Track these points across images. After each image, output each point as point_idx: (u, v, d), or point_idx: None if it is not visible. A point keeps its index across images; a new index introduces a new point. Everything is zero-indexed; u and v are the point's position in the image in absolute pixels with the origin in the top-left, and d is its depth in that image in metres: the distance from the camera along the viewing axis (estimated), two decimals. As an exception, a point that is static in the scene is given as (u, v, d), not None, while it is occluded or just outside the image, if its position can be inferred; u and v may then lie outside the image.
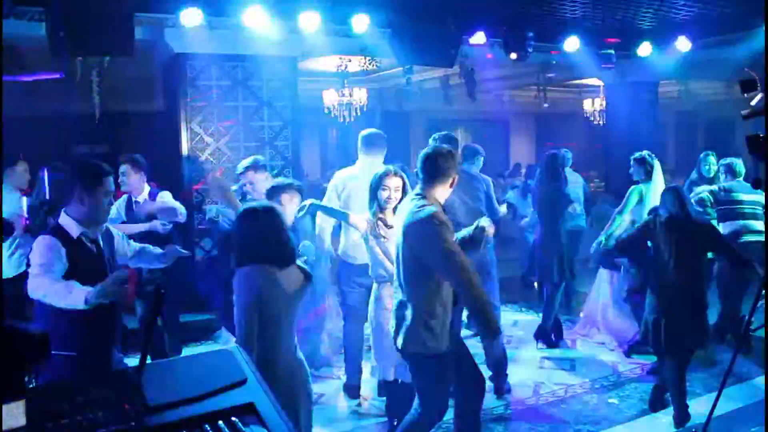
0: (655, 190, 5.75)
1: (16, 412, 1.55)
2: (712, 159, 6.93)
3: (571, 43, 7.83)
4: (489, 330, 3.32)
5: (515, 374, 5.42)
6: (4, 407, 1.53)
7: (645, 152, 6.10)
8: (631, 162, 6.11)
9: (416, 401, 3.53)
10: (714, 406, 3.56)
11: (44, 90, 8.29)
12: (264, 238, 3.09)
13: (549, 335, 6.27)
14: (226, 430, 1.62)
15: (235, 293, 3.02)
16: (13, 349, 1.77)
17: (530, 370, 5.67)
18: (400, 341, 3.45)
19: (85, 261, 3.10)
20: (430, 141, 4.95)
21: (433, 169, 3.44)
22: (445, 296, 3.42)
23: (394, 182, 3.97)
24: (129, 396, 1.63)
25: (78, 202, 3.15)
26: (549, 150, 6.46)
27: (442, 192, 3.50)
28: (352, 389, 5.10)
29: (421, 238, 3.32)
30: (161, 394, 1.67)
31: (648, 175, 5.92)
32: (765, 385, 4.84)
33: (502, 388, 5.06)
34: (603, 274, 6.42)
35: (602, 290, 6.43)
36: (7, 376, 1.67)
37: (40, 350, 1.80)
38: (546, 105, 13.07)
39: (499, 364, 5.04)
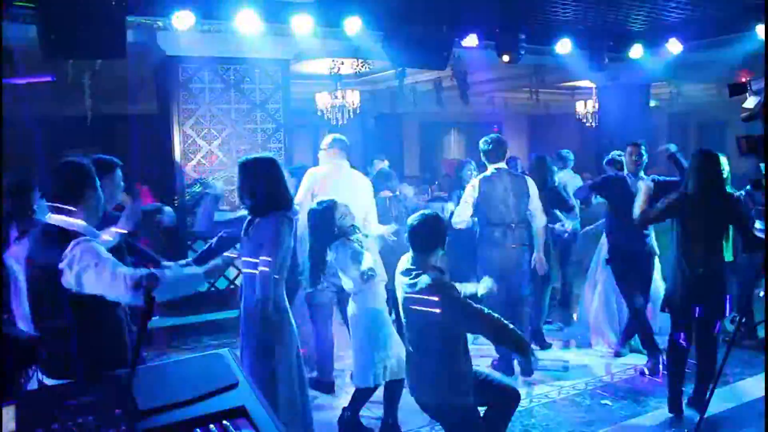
0: None
1: (7, 417, 1.55)
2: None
3: (563, 46, 7.86)
4: (523, 350, 3.48)
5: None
6: (-6, 412, 1.53)
7: (614, 153, 6.45)
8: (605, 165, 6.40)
9: None
10: (705, 406, 3.57)
11: (36, 93, 8.26)
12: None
13: (542, 336, 6.28)
14: (218, 433, 1.62)
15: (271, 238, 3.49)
16: (3, 355, 1.77)
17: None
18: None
19: None
20: (481, 144, 5.54)
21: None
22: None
23: None
24: (120, 400, 1.63)
25: None
26: (537, 153, 6.54)
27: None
28: (329, 386, 5.33)
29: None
30: (152, 398, 1.66)
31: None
32: (765, 384, 4.86)
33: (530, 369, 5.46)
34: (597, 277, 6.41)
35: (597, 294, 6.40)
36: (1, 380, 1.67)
37: (29, 355, 1.80)
38: (536, 108, 13.10)
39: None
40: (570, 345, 6.42)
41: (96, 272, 2.42)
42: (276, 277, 3.55)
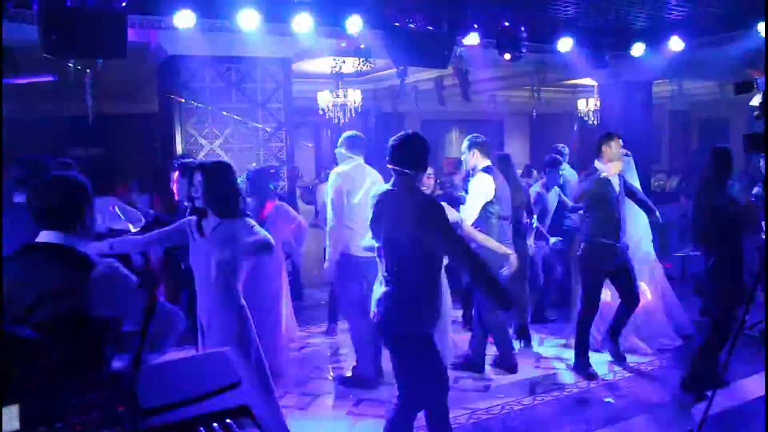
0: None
1: (9, 416, 1.55)
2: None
3: (565, 44, 7.85)
4: (499, 296, 3.49)
5: (511, 375, 5.47)
6: (-3, 411, 1.53)
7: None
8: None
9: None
10: (709, 405, 3.57)
11: (38, 92, 8.28)
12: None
13: (527, 333, 6.29)
14: (221, 432, 1.62)
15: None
16: (7, 353, 1.77)
17: (526, 369, 5.68)
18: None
19: None
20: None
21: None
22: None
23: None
24: (123, 399, 1.63)
25: None
26: (500, 152, 6.56)
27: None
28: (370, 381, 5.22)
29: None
30: (155, 396, 1.66)
31: None
32: (765, 383, 4.85)
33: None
34: None
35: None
36: (1, 379, 1.67)
37: (33, 354, 1.80)
38: (537, 106, 13.09)
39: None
40: (572, 343, 6.40)
41: None
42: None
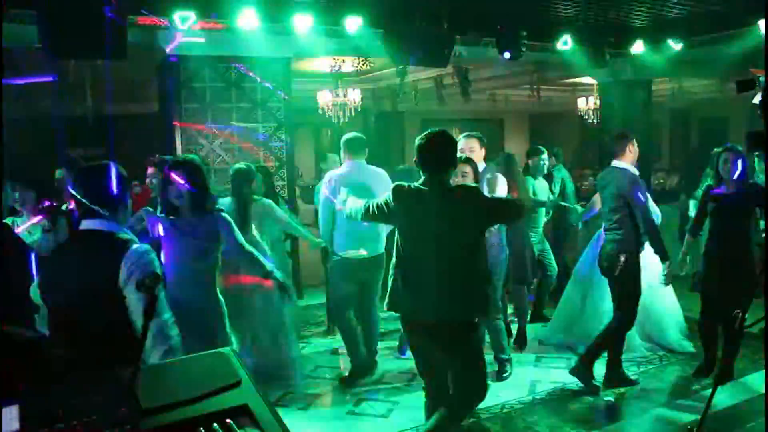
0: None
1: (9, 417, 1.55)
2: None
3: (565, 42, 7.85)
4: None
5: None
6: (-2, 411, 1.53)
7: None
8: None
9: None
10: (708, 404, 3.57)
11: (37, 93, 8.27)
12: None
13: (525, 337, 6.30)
14: (221, 432, 1.62)
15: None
16: (7, 354, 1.77)
17: (526, 368, 5.68)
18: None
19: None
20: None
21: None
22: None
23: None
24: (124, 399, 1.64)
25: None
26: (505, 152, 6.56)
27: None
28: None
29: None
30: (156, 396, 1.67)
31: None
32: (765, 382, 4.86)
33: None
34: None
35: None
36: (1, 380, 1.67)
37: (33, 355, 1.80)
38: (537, 104, 13.09)
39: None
40: (571, 345, 6.38)
41: None
42: None
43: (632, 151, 5.16)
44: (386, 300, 3.64)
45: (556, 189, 7.92)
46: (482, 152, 5.44)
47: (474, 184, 3.97)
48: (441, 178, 3.49)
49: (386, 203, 3.61)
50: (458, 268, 3.43)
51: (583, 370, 5.12)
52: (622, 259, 4.94)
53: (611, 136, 5.54)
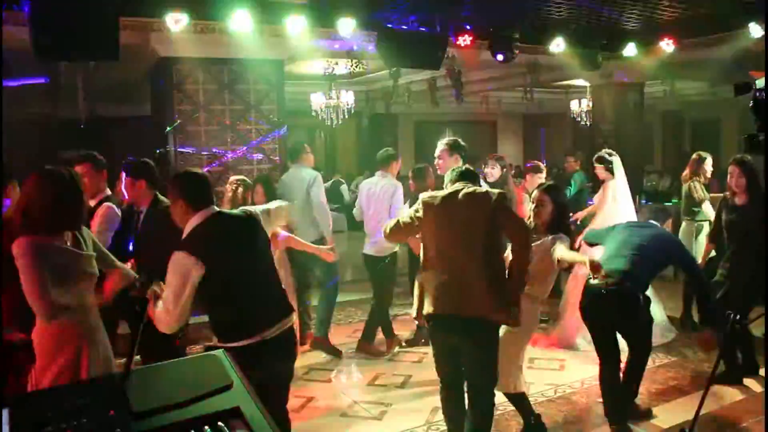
0: (619, 185, 6.20)
1: (-1, 421, 1.54)
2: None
3: (557, 44, 7.88)
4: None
5: (504, 375, 5.44)
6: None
7: (604, 150, 6.46)
8: (594, 162, 6.35)
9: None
10: (701, 404, 3.58)
11: (29, 95, 8.25)
12: None
13: None
14: (212, 435, 1.61)
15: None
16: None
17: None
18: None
19: None
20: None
21: None
22: None
23: None
24: (114, 402, 1.63)
25: None
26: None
27: None
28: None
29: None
30: (146, 399, 1.66)
31: (611, 173, 6.22)
32: (765, 381, 4.87)
33: None
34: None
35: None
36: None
37: (22, 359, 1.79)
38: (530, 106, 13.13)
39: None
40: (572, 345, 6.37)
41: None
42: None
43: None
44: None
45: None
46: (454, 160, 5.25)
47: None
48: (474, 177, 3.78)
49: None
50: (489, 266, 3.56)
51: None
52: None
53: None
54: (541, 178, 7.02)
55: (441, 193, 3.70)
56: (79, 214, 2.87)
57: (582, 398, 5.05)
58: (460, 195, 3.59)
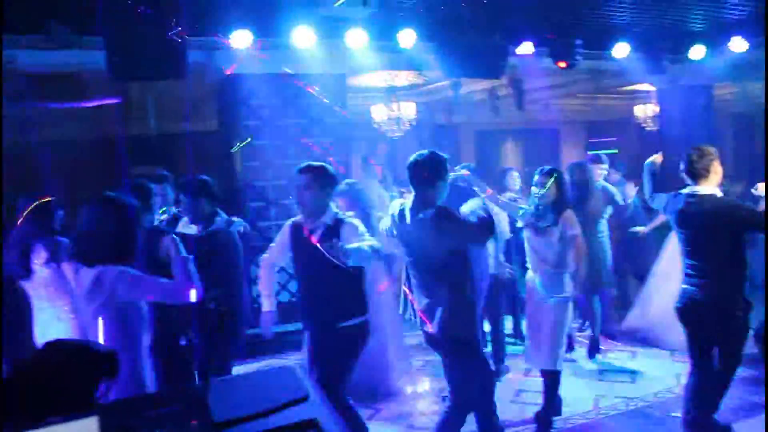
0: None
1: (89, 428, 1.61)
2: None
3: (621, 49, 7.72)
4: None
5: (574, 387, 5.33)
6: (78, 423, 1.58)
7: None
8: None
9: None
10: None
11: (103, 114, 8.57)
12: None
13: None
14: (290, 445, 1.64)
15: None
16: (84, 366, 1.83)
17: (589, 382, 5.57)
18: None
19: None
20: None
21: None
22: None
23: None
24: (196, 412, 1.68)
25: None
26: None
27: None
28: None
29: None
30: (226, 410, 1.70)
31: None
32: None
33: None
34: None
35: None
36: (79, 392, 1.73)
37: (109, 367, 1.86)
38: (593, 113, 12.90)
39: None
40: (637, 354, 6.24)
41: None
42: None
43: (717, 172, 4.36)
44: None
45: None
46: None
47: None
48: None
49: None
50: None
51: None
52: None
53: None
54: (603, 169, 6.94)
55: None
56: None
57: (655, 412, 4.91)
58: None
